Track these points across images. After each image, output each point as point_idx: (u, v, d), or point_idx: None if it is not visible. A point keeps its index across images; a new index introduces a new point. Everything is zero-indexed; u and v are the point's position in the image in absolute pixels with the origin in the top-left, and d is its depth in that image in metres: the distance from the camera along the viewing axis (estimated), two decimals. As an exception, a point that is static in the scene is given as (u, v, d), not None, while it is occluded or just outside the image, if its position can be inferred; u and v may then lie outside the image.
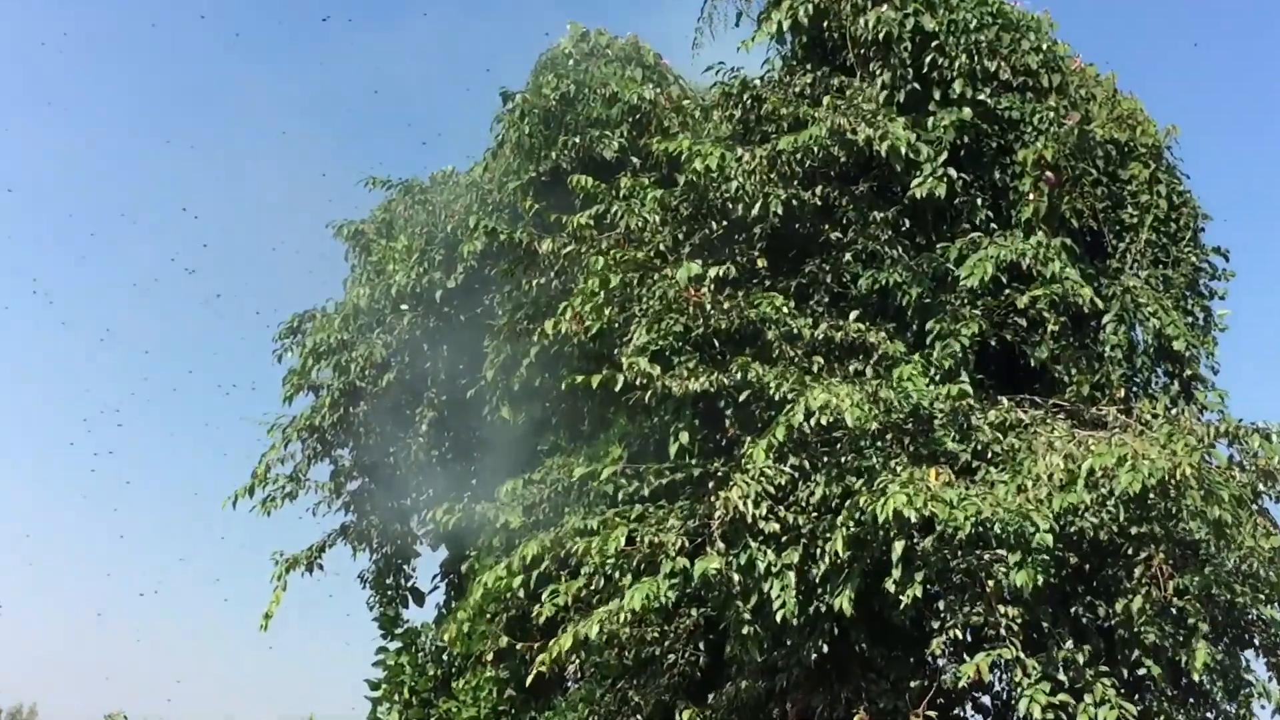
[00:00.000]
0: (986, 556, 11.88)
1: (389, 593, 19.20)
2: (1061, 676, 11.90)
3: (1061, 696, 11.70)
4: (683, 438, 13.06)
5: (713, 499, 12.25)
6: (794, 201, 14.03)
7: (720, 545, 11.93)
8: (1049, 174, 14.13)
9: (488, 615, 15.24)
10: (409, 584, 19.38)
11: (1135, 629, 12.51)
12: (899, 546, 11.70)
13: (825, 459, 12.59)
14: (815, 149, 13.90)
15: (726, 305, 13.32)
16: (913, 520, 11.33)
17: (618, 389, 13.06)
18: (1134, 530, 12.53)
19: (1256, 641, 13.44)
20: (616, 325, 13.75)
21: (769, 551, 12.05)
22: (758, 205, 13.87)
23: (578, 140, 16.54)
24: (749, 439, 12.47)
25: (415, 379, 17.82)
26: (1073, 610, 13.03)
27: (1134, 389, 14.34)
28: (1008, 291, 13.74)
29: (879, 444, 12.59)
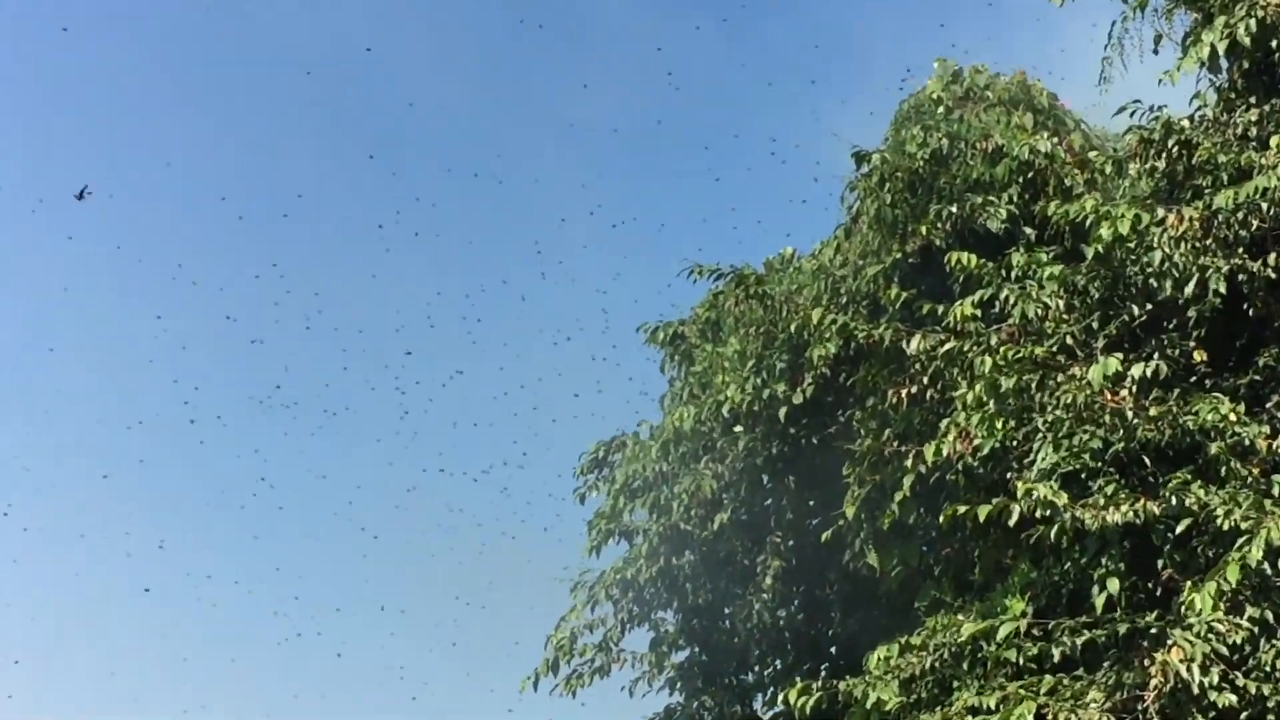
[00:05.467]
0: None
1: (731, 792, 19.30)
2: None
3: None
4: (1110, 586, 12.97)
5: (1146, 663, 12.22)
6: (1239, 275, 13.85)
7: (1158, 724, 11.66)
8: None
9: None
10: (756, 780, 19.49)
11: None
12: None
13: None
14: (1265, 206, 13.72)
15: (1154, 412, 13.32)
16: None
17: (1015, 523, 13.11)
18: None
19: None
20: (1013, 443, 13.85)
21: (1222, 730, 11.92)
22: (1192, 282, 13.79)
23: (954, 209, 16.47)
24: (1190, 584, 12.40)
25: (755, 519, 18.10)
26: None
27: None
28: None
29: (1365, 589, 12.33)
